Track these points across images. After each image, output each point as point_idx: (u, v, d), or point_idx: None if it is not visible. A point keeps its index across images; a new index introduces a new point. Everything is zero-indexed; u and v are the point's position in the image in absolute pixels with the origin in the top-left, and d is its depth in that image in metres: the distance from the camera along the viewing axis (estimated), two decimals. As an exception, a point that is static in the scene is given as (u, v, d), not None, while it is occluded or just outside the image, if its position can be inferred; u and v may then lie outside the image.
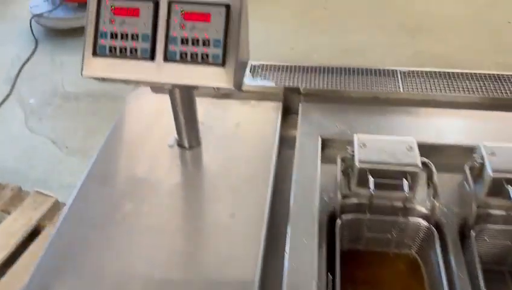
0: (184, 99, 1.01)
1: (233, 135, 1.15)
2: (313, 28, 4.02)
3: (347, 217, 1.01)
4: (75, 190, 1.01)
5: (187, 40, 0.86)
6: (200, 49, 0.86)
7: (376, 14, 4.29)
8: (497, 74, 1.34)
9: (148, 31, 0.87)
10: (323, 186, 1.05)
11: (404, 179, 0.95)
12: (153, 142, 1.14)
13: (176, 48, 0.87)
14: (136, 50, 0.87)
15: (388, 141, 1.05)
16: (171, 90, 0.98)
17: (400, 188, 0.95)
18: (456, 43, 3.66)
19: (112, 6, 0.88)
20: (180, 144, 1.11)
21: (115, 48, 0.88)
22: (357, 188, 1.02)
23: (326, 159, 1.10)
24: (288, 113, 1.25)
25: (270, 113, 1.20)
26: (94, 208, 0.98)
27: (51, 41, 4.03)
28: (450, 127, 1.23)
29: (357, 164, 0.99)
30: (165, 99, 1.02)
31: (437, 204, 0.95)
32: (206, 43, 0.86)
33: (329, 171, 1.05)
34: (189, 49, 0.87)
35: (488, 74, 1.34)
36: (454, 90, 1.29)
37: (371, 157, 1.00)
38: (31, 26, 4.02)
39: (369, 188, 0.97)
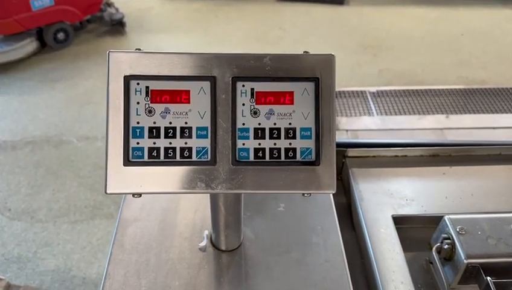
0: (230, 202, 0.73)
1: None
2: (273, 49, 3.87)
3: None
4: None
5: (263, 132, 0.60)
6: (282, 143, 0.61)
7: (334, 34, 4.23)
8: (464, 88, 1.43)
9: (206, 122, 0.60)
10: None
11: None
12: (176, 243, 0.84)
13: (248, 144, 0.60)
14: (189, 151, 0.59)
15: (487, 221, 0.86)
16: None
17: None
18: (417, 60, 3.64)
19: (147, 89, 0.59)
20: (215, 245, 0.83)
21: (157, 150, 0.59)
22: (459, 286, 0.83)
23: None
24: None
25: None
26: None
27: (-28, 81, 3.49)
28: None
29: (463, 259, 0.78)
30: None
31: None
32: (290, 133, 0.61)
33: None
34: (267, 143, 0.60)
35: (455, 89, 1.41)
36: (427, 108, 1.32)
37: (478, 249, 0.80)
38: None
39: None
